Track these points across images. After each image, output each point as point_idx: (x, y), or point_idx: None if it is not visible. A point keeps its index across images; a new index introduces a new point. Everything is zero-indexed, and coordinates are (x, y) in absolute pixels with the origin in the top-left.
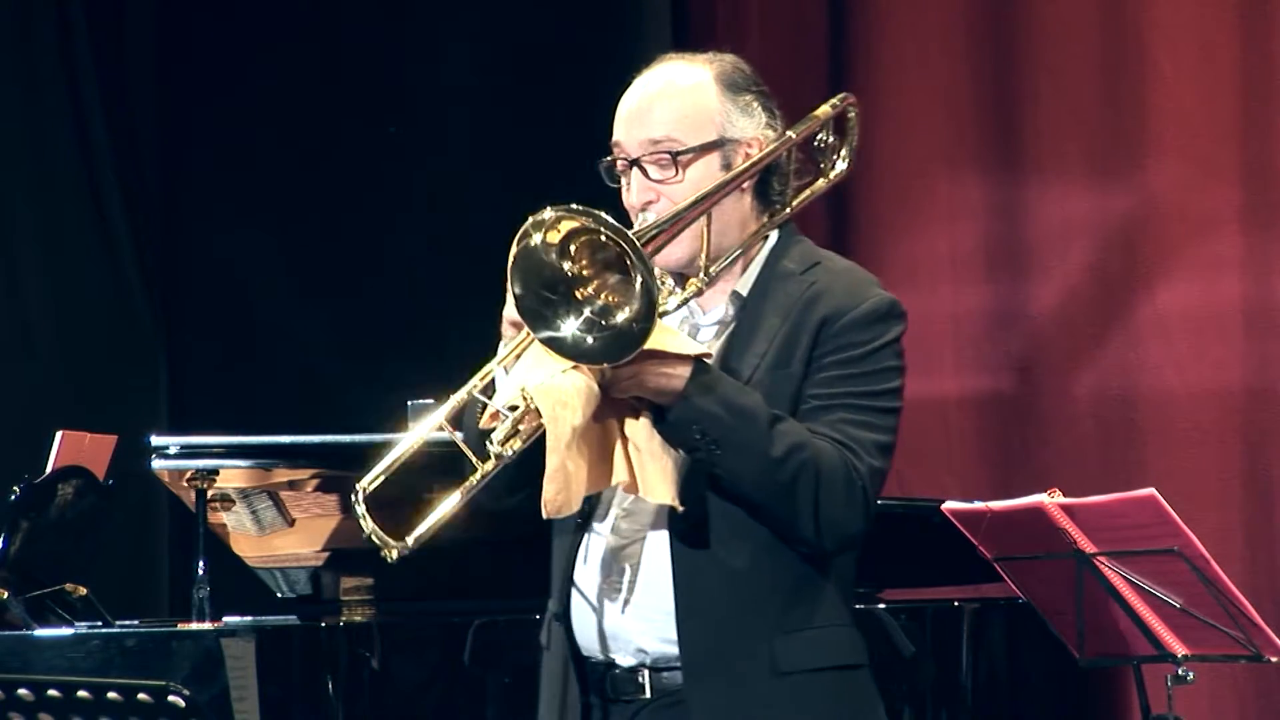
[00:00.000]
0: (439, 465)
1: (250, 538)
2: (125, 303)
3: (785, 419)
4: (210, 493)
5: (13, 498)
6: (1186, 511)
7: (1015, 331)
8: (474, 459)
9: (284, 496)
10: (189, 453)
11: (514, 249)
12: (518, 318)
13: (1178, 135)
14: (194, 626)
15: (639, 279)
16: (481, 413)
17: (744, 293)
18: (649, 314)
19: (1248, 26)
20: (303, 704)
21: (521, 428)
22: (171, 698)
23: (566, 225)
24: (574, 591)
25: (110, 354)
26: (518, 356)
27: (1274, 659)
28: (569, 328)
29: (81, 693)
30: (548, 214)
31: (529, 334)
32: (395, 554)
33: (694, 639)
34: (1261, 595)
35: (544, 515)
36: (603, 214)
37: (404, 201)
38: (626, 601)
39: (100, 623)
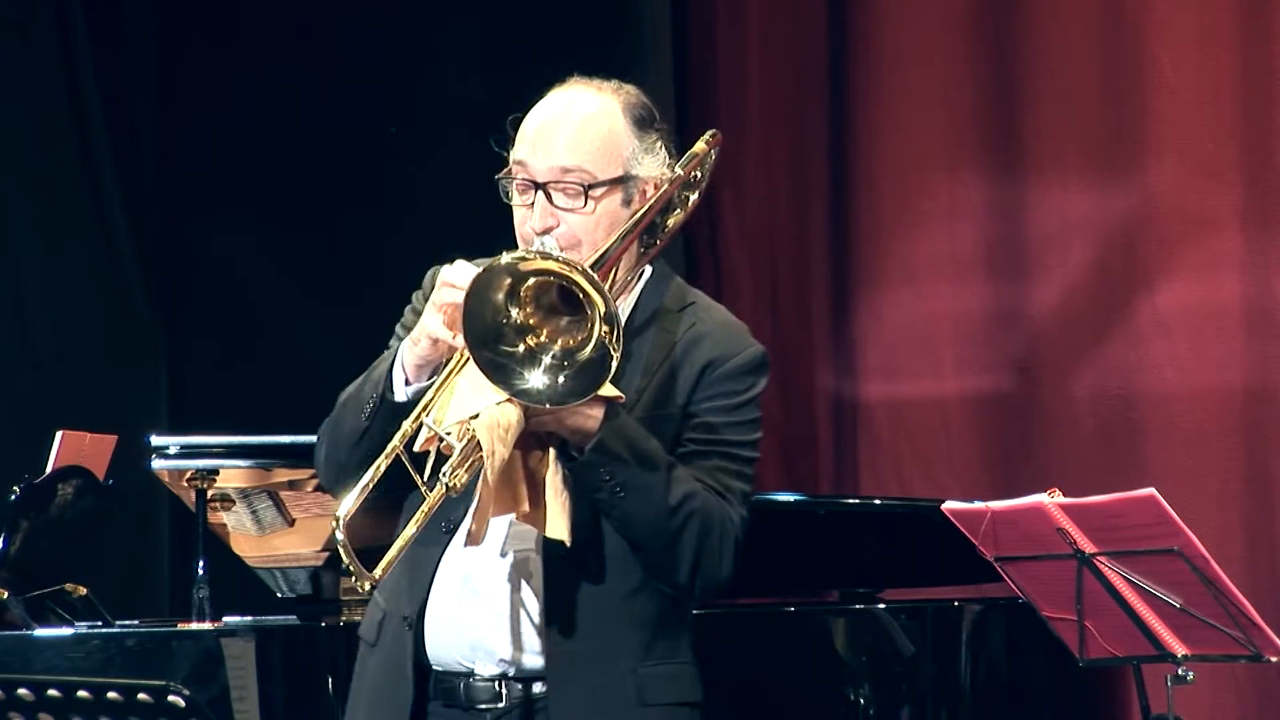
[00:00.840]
0: None
1: (250, 538)
2: (125, 303)
3: (678, 466)
4: (210, 493)
5: (13, 498)
6: (1186, 511)
7: (1015, 331)
8: (424, 489)
9: (284, 496)
10: (189, 453)
11: (464, 306)
12: (440, 335)
13: (1178, 135)
14: (194, 626)
15: (600, 309)
16: (415, 436)
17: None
18: (616, 342)
19: (1248, 26)
20: (303, 704)
21: (465, 460)
22: (171, 698)
23: (504, 280)
24: (433, 598)
25: (110, 354)
26: (450, 377)
27: (1274, 659)
28: (536, 380)
29: (81, 693)
30: (484, 270)
31: (461, 354)
32: (368, 585)
33: (563, 665)
34: (1261, 595)
35: (464, 545)
36: (553, 252)
37: (404, 202)
38: (494, 613)
39: (100, 623)
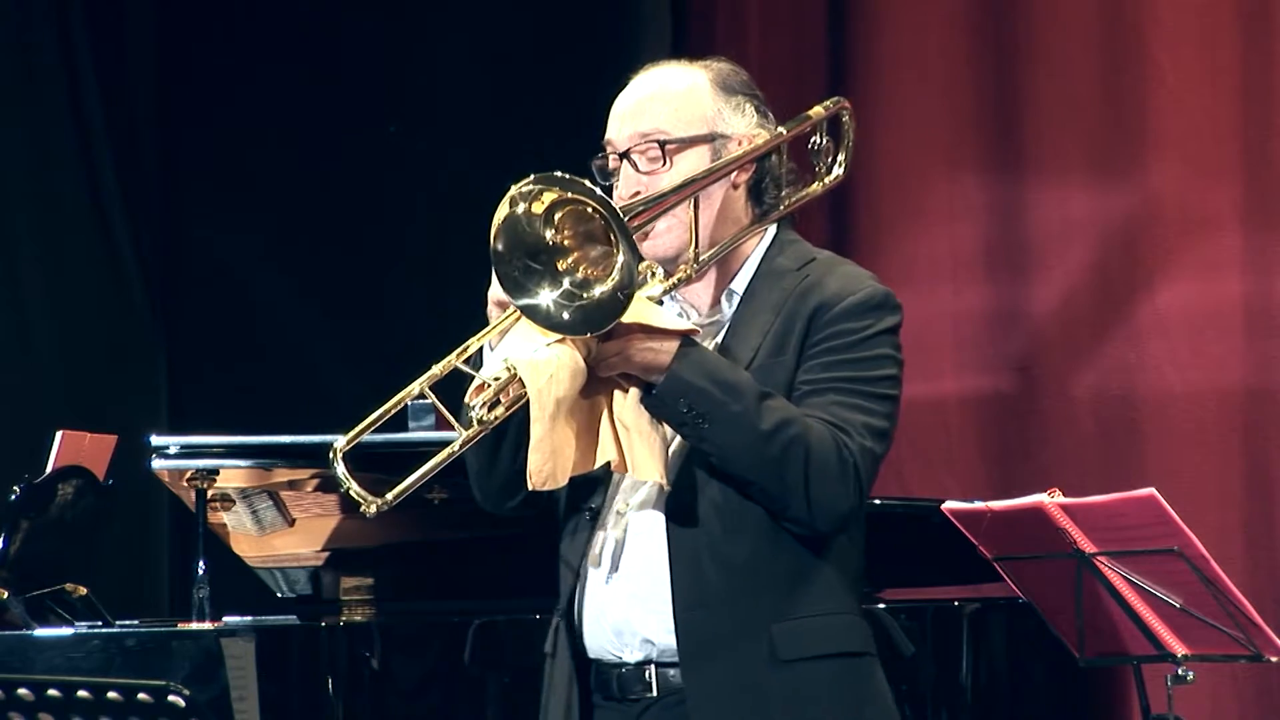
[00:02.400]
0: None
1: (250, 538)
2: (125, 303)
3: (774, 395)
4: (210, 493)
5: (13, 498)
6: (1186, 511)
7: (1015, 331)
8: (456, 425)
9: (284, 496)
10: (189, 453)
11: (497, 217)
12: (504, 297)
13: (1178, 135)
14: (194, 626)
15: (620, 251)
16: (467, 386)
17: (739, 291)
18: (628, 286)
19: (1248, 26)
20: (303, 704)
21: (503, 398)
22: (171, 698)
23: (549, 195)
24: (580, 589)
25: (110, 354)
26: (503, 333)
27: (1274, 659)
28: (546, 297)
29: (81, 693)
30: (531, 183)
31: (514, 311)
32: (374, 509)
33: (692, 628)
34: (1261, 595)
35: (529, 486)
36: (587, 183)
37: (404, 201)
38: (632, 594)
39: (100, 623)
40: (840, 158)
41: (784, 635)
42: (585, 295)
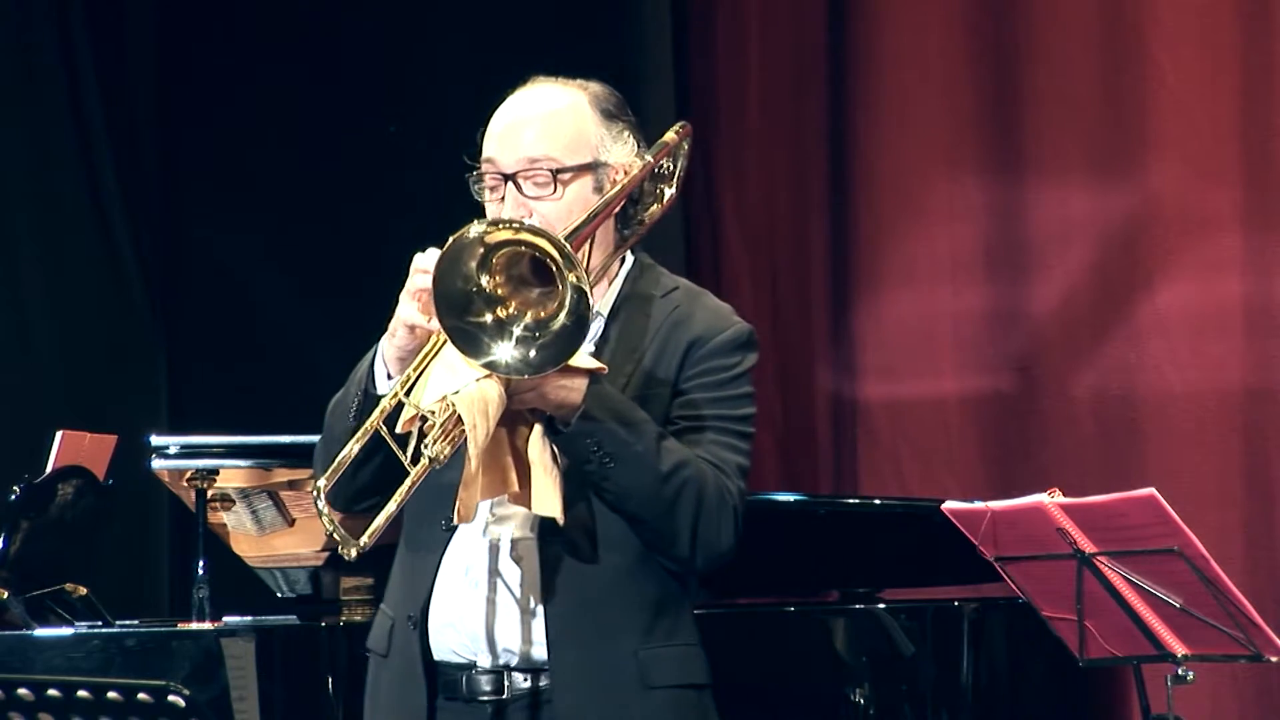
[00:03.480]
0: None
1: (250, 538)
2: (125, 303)
3: (669, 436)
4: (210, 493)
5: (13, 498)
6: (1186, 511)
7: (1015, 331)
8: (408, 465)
9: (284, 496)
10: (189, 453)
11: (434, 276)
12: (415, 321)
13: (1178, 135)
14: (194, 626)
15: (570, 280)
16: (395, 415)
17: (605, 311)
18: (586, 311)
19: (1248, 26)
20: (303, 704)
21: (444, 433)
22: (171, 698)
23: (484, 244)
24: (435, 600)
25: (110, 354)
26: (430, 360)
27: (1274, 659)
28: (504, 351)
29: (81, 693)
30: (477, 226)
31: (438, 337)
32: (354, 552)
33: (564, 648)
34: (1261, 595)
35: (454, 521)
36: (526, 221)
37: (403, 201)
38: (498, 608)
39: (100, 623)
40: (675, 179)
41: (650, 661)
42: (539, 336)
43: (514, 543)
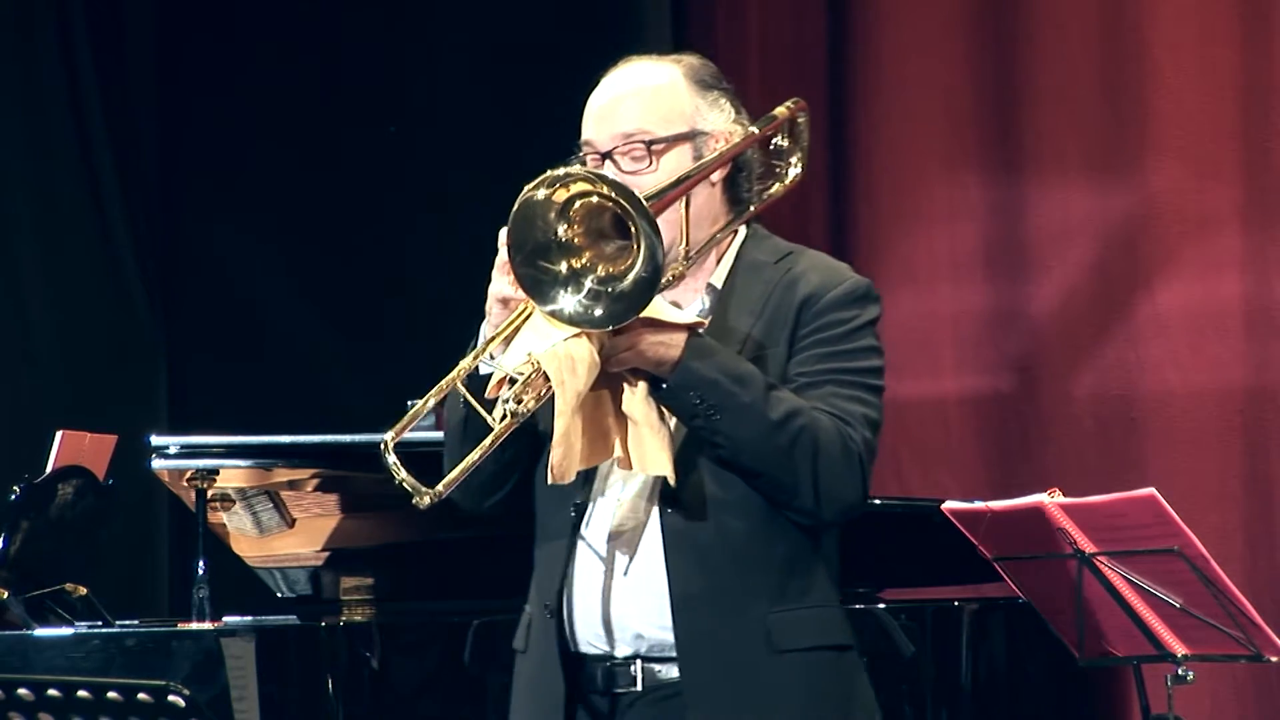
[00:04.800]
0: None
1: (250, 538)
2: (125, 303)
3: (780, 387)
4: (210, 493)
5: (13, 498)
6: (1186, 511)
7: (1015, 331)
8: (490, 420)
9: (284, 496)
10: (189, 453)
11: (518, 202)
12: (506, 294)
13: (1178, 135)
14: (194, 626)
15: (643, 242)
16: (487, 380)
17: (718, 285)
18: (654, 277)
19: (1248, 26)
20: (303, 704)
21: (529, 392)
22: (171, 698)
23: (562, 193)
24: (568, 586)
25: (110, 354)
26: (517, 328)
27: (1274, 659)
28: (570, 299)
29: (81, 693)
30: (555, 173)
31: (528, 305)
32: (427, 500)
33: (689, 621)
34: (1261, 595)
35: (549, 480)
36: (604, 173)
37: (403, 201)
38: (622, 590)
39: (100, 623)
40: (796, 158)
41: (779, 625)
42: (611, 290)
43: (637, 525)
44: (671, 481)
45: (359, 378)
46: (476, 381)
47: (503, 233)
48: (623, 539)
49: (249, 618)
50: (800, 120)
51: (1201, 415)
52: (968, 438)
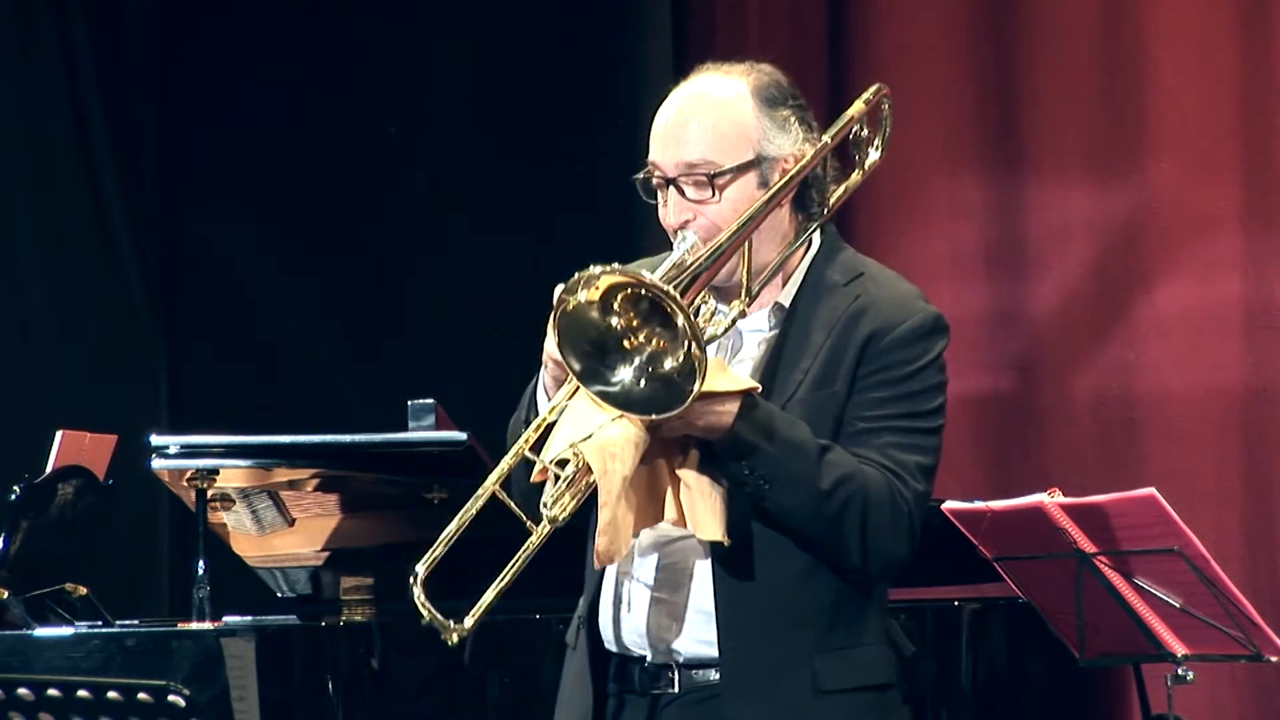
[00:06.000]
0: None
1: (250, 538)
2: (125, 303)
3: (833, 448)
4: (210, 493)
5: (13, 498)
6: (1186, 511)
7: (1015, 331)
8: (529, 524)
9: (284, 496)
10: (189, 453)
11: (555, 316)
12: (555, 355)
13: (1178, 135)
14: (194, 626)
15: (682, 330)
16: (530, 470)
17: (786, 304)
18: (695, 366)
19: (1248, 26)
20: (303, 704)
21: (570, 487)
22: (171, 698)
23: (604, 282)
24: (605, 589)
25: (110, 354)
26: (561, 411)
27: (1274, 659)
28: (621, 376)
29: (81, 693)
30: (584, 275)
31: (573, 385)
32: (456, 637)
33: (736, 656)
34: (1261, 595)
35: (594, 565)
36: (639, 271)
37: (404, 201)
38: (664, 601)
39: (100, 623)
40: (877, 143)
41: (826, 666)
42: (655, 370)
43: (683, 539)
44: (726, 544)
45: (359, 377)
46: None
47: (559, 288)
48: (666, 553)
49: (249, 618)
50: (885, 107)
51: (1201, 415)
52: (967, 438)
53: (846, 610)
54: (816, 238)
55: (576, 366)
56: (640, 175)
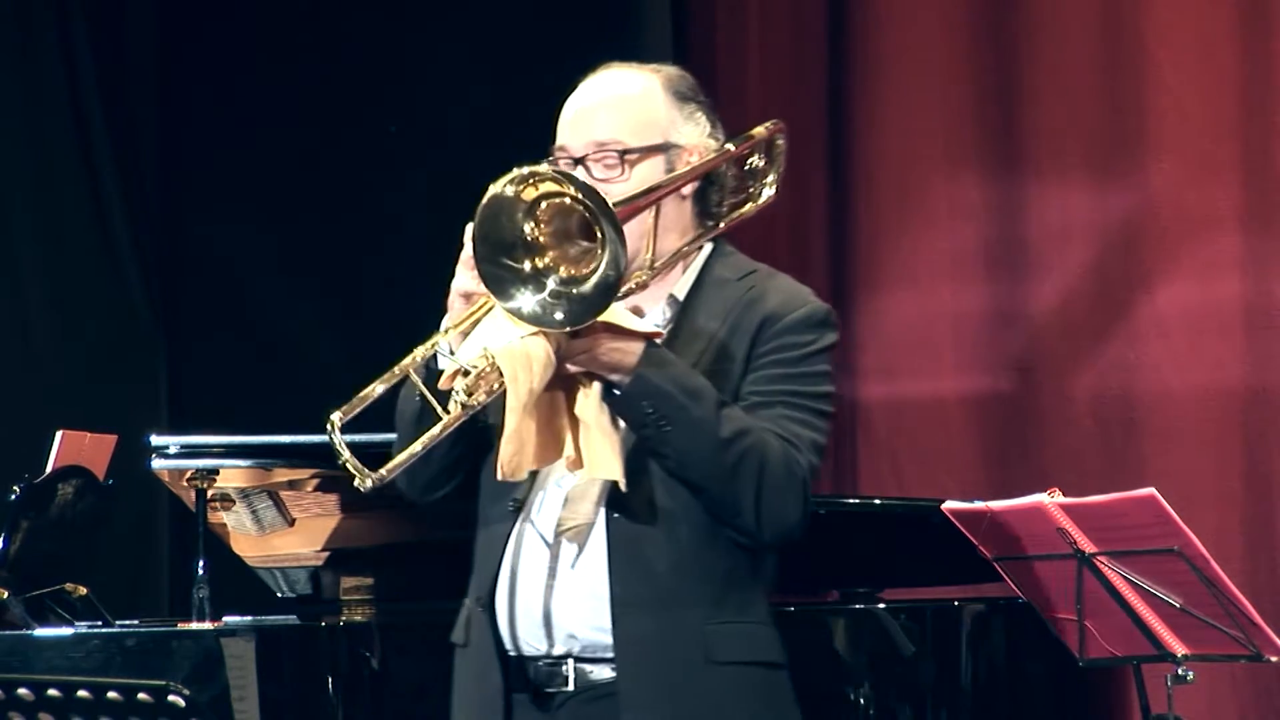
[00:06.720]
0: None
1: (250, 538)
2: (125, 303)
3: (732, 405)
4: (210, 493)
5: (13, 498)
6: (1186, 511)
7: (1015, 331)
8: (441, 411)
9: (284, 496)
10: (189, 453)
11: (486, 197)
12: (469, 289)
13: (1178, 135)
14: (194, 626)
15: (608, 243)
16: (441, 372)
17: (680, 296)
18: (616, 281)
19: (1248, 26)
20: (303, 704)
21: (482, 385)
22: (171, 698)
23: (530, 191)
24: (502, 581)
25: (110, 354)
26: (476, 322)
27: (1274, 659)
28: (530, 299)
29: (81, 693)
30: (524, 172)
31: (487, 300)
32: (369, 483)
33: (628, 625)
34: (1261, 595)
35: (498, 477)
36: (573, 174)
37: (404, 201)
38: (561, 588)
39: (100, 623)
40: (770, 179)
41: (717, 637)
42: (572, 291)
43: (578, 525)
44: (622, 486)
45: (359, 377)
46: (433, 374)
47: (469, 228)
48: (566, 538)
49: (249, 618)
50: (778, 142)
51: (1201, 415)
52: (968, 438)
53: (737, 584)
54: (710, 244)
55: (484, 267)
56: (547, 159)
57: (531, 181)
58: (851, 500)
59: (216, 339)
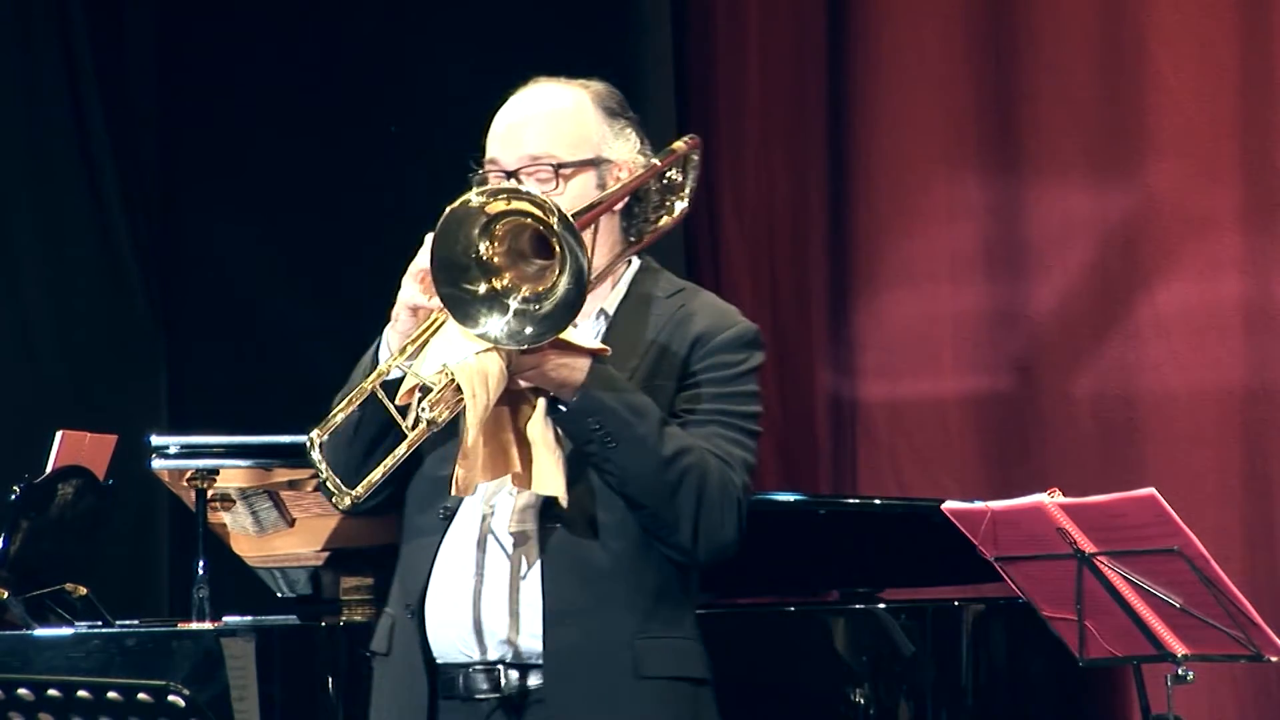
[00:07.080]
0: None
1: (250, 538)
2: (125, 303)
3: (672, 423)
4: (210, 493)
5: (13, 498)
6: (1186, 511)
7: (1015, 331)
8: (405, 429)
9: (284, 496)
10: (189, 453)
11: (436, 233)
12: (418, 303)
13: (1178, 135)
14: (194, 626)
15: (569, 258)
16: (397, 385)
17: (610, 311)
18: (581, 292)
19: (1248, 26)
20: (303, 704)
21: (443, 402)
22: (171, 698)
23: (495, 205)
24: (433, 588)
25: (110, 354)
26: (428, 336)
27: (1274, 659)
28: (495, 322)
29: (81, 693)
30: (471, 194)
31: (440, 315)
32: (348, 500)
33: (559, 637)
34: (1261, 595)
35: (453, 492)
36: (538, 193)
37: (404, 201)
38: (494, 596)
39: (100, 623)
40: (686, 191)
41: (647, 652)
42: (535, 310)
43: (513, 533)
44: (563, 503)
45: None
46: (388, 385)
47: (427, 241)
48: (499, 547)
49: (249, 618)
50: (694, 157)
51: (1201, 415)
52: (968, 438)
53: (667, 601)
54: (636, 260)
55: (444, 290)
56: (478, 173)
57: (491, 198)
58: (851, 500)
59: (216, 339)
